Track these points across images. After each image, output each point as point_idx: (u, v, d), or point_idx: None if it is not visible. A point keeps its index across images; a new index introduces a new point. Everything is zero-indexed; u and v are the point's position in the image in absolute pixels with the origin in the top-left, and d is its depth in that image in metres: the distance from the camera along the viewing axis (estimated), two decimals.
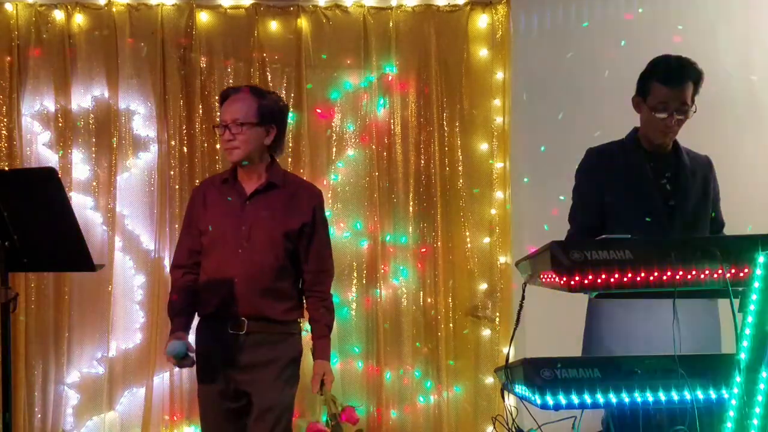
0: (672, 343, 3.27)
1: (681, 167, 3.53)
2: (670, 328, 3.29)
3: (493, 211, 5.22)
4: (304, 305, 3.55)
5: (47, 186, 2.95)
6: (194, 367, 3.47)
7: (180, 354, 3.33)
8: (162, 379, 4.97)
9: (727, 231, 3.68)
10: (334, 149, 5.20)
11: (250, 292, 3.36)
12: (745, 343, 2.41)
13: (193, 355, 3.38)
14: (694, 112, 3.46)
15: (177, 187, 5.00)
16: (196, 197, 3.58)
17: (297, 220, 3.45)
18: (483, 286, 5.20)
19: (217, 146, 4.95)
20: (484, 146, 5.25)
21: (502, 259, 5.20)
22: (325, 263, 3.57)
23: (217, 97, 4.97)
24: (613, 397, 2.53)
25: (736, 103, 5.21)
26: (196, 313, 3.52)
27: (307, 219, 3.47)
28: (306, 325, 3.71)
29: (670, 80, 3.41)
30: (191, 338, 3.46)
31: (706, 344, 3.37)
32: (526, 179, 5.25)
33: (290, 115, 5.06)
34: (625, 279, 2.43)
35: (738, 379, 2.40)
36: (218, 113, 4.97)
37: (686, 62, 3.45)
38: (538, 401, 2.53)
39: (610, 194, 3.53)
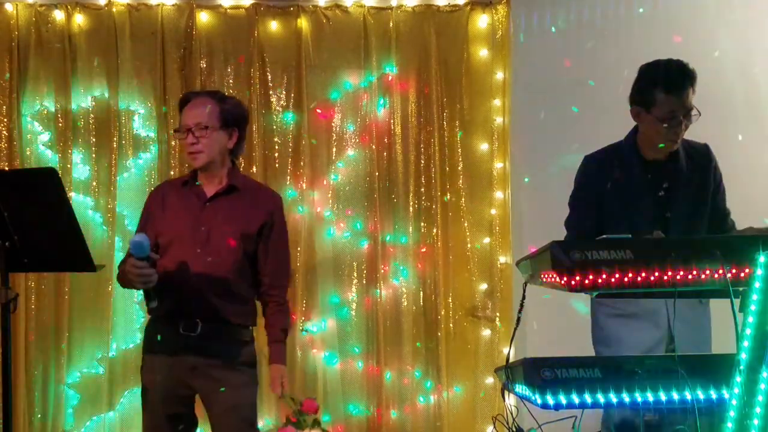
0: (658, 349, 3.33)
1: (679, 175, 3.51)
2: (658, 337, 3.35)
3: (493, 211, 5.21)
4: (258, 312, 3.53)
5: (47, 186, 2.94)
6: (138, 368, 3.45)
7: (144, 248, 3.12)
8: None
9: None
10: (334, 149, 5.20)
11: (205, 294, 3.31)
12: (745, 343, 2.41)
13: (156, 256, 3.25)
14: (698, 115, 3.42)
15: None
16: (154, 199, 3.52)
17: (256, 223, 3.42)
18: (483, 286, 5.19)
19: None
20: (484, 146, 5.24)
21: (502, 259, 5.19)
22: (283, 267, 3.55)
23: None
24: (613, 397, 2.52)
25: (736, 102, 5.19)
26: (147, 313, 3.46)
27: (266, 223, 3.44)
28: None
29: (675, 88, 3.36)
30: (138, 335, 3.38)
31: (697, 347, 3.38)
32: (526, 179, 5.25)
33: (290, 114, 5.13)
34: (626, 279, 2.43)
35: (738, 379, 2.40)
36: None
37: (684, 66, 3.41)
38: (539, 401, 2.53)
39: (607, 205, 3.52)
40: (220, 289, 3.32)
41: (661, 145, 3.46)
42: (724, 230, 3.58)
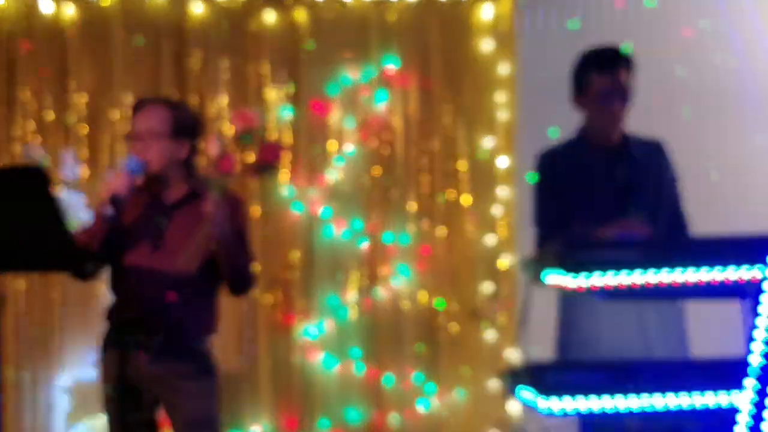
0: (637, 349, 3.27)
1: (632, 165, 3.50)
2: (633, 335, 3.32)
3: (497, 210, 5.17)
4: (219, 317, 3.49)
5: (34, 185, 2.87)
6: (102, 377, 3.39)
7: (138, 168, 3.20)
8: None
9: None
10: (332, 145, 5.14)
11: (163, 303, 3.25)
12: (756, 346, 2.42)
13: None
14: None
15: None
16: None
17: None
18: (486, 287, 5.14)
19: None
20: (487, 142, 5.19)
21: (506, 260, 5.14)
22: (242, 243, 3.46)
23: (211, 92, 5.01)
24: (620, 403, 2.50)
25: (745, 98, 5.13)
26: (106, 320, 3.42)
27: (227, 227, 3.33)
28: None
29: (607, 66, 3.44)
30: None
31: (676, 347, 3.40)
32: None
33: (289, 108, 5.08)
34: (633, 280, 2.43)
35: (749, 382, 2.42)
36: (213, 108, 4.99)
37: (614, 48, 3.50)
38: (543, 405, 2.50)
39: (570, 198, 3.51)
40: (181, 296, 3.26)
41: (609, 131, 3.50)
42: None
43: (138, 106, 3.44)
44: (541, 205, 3.63)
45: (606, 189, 3.47)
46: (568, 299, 3.54)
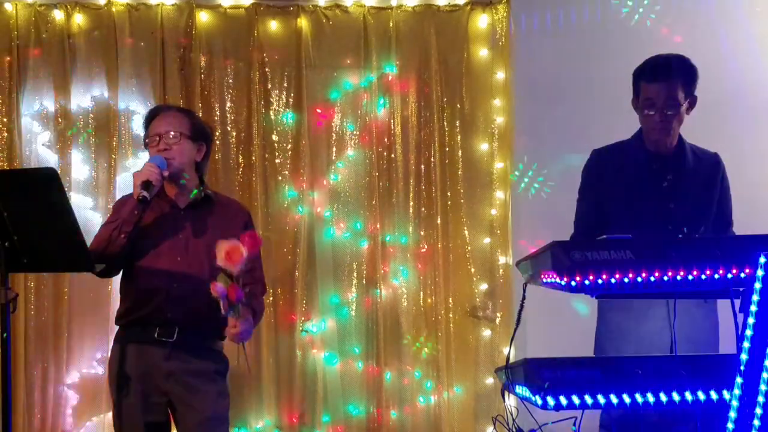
0: (665, 345, 3.32)
1: (683, 169, 3.52)
2: (662, 332, 3.34)
3: (494, 212, 5.20)
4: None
5: (47, 186, 2.94)
6: (113, 376, 3.41)
7: (163, 164, 3.30)
8: None
9: (740, 231, 3.63)
10: (334, 149, 5.19)
11: (183, 302, 3.31)
12: (746, 344, 2.42)
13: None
14: (690, 108, 3.46)
15: None
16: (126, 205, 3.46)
17: (231, 234, 3.35)
18: (483, 286, 5.18)
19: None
20: (484, 146, 5.24)
21: (502, 259, 5.18)
22: (258, 274, 3.53)
23: (216, 97, 5.05)
24: (614, 398, 2.54)
25: (736, 102, 5.18)
26: (118, 321, 3.46)
27: (240, 234, 3.38)
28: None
29: (656, 76, 3.43)
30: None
31: (702, 347, 3.39)
32: (525, 179, 5.25)
33: (290, 114, 5.11)
34: (626, 279, 2.45)
35: (739, 379, 2.41)
36: (217, 113, 5.03)
37: (675, 59, 3.47)
38: (539, 402, 2.55)
39: (611, 197, 3.54)
40: (197, 298, 3.28)
41: (653, 139, 3.50)
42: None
43: (154, 113, 3.53)
44: (578, 207, 3.68)
45: (649, 192, 3.50)
46: (605, 304, 3.60)
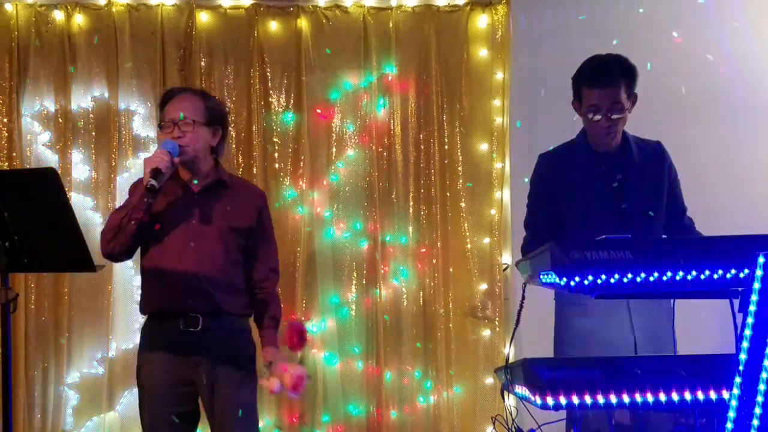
0: (628, 349, 3.31)
1: (631, 166, 3.51)
2: (625, 336, 3.38)
3: (493, 211, 5.21)
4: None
5: (48, 186, 2.95)
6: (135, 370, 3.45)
7: (175, 150, 3.27)
8: None
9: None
10: (333, 149, 5.19)
11: (203, 288, 3.30)
12: (745, 344, 2.41)
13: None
14: (632, 106, 3.43)
15: None
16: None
17: (247, 217, 3.44)
18: (483, 286, 5.19)
19: None
20: (484, 146, 5.25)
21: (502, 260, 5.19)
22: (273, 260, 3.56)
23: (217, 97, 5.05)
24: (613, 398, 2.54)
25: (734, 102, 5.17)
26: (142, 310, 3.47)
27: (254, 218, 3.46)
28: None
29: (598, 82, 3.39)
30: (136, 337, 3.37)
31: (660, 346, 3.40)
32: (526, 179, 5.24)
33: (290, 115, 5.12)
34: (625, 279, 2.45)
35: (738, 379, 2.40)
36: None
37: (613, 61, 3.43)
38: (538, 402, 2.55)
39: (564, 199, 3.53)
40: (216, 282, 3.30)
41: (600, 143, 3.49)
42: (681, 227, 3.61)
43: (169, 95, 3.48)
44: (529, 209, 3.68)
45: (601, 191, 3.48)
46: (562, 299, 3.61)
